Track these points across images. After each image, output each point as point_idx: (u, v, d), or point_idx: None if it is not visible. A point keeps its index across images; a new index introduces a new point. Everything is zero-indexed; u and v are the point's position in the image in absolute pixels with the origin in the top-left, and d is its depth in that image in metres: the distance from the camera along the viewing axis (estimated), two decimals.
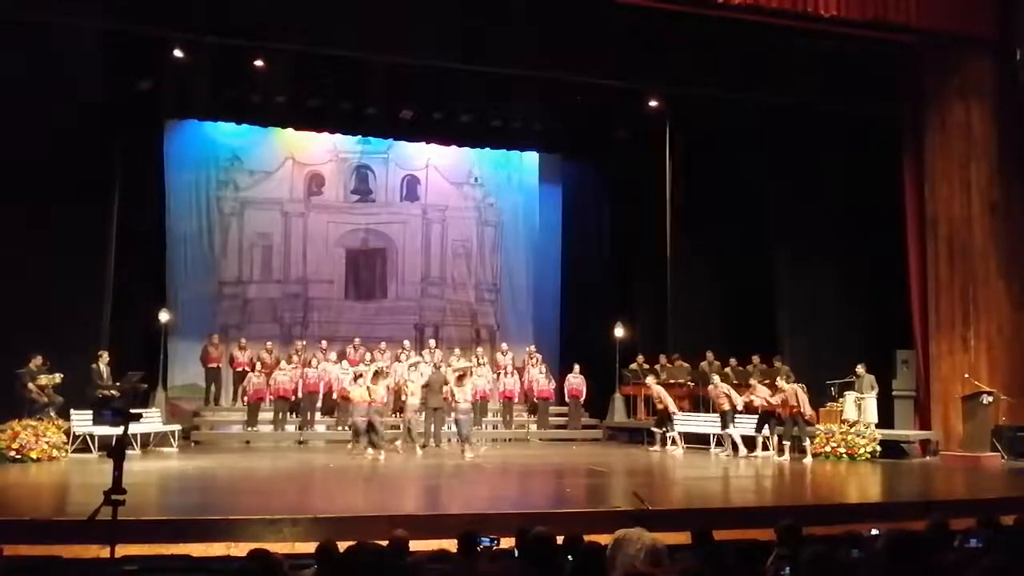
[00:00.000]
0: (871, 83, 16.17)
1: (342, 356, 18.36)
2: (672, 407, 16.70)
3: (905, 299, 16.59)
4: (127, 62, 16.14)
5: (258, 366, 17.51)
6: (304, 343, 18.90)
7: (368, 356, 18.31)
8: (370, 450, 14.94)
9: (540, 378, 18.93)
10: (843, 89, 15.92)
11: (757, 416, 15.59)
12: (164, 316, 17.49)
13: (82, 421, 14.36)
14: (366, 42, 14.68)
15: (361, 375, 15.74)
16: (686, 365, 18.43)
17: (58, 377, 14.55)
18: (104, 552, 5.98)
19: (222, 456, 15.03)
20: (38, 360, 14.42)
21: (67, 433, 14.23)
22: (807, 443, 15.06)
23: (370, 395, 15.13)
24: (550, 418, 19.12)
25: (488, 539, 5.98)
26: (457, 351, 19.19)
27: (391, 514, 9.02)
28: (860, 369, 15.91)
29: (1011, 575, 3.99)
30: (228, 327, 19.52)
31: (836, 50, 15.51)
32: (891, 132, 16.75)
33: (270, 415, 17.46)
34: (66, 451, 14.04)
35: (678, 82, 16.33)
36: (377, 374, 15.64)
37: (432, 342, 19.61)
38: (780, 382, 15.60)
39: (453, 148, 21.10)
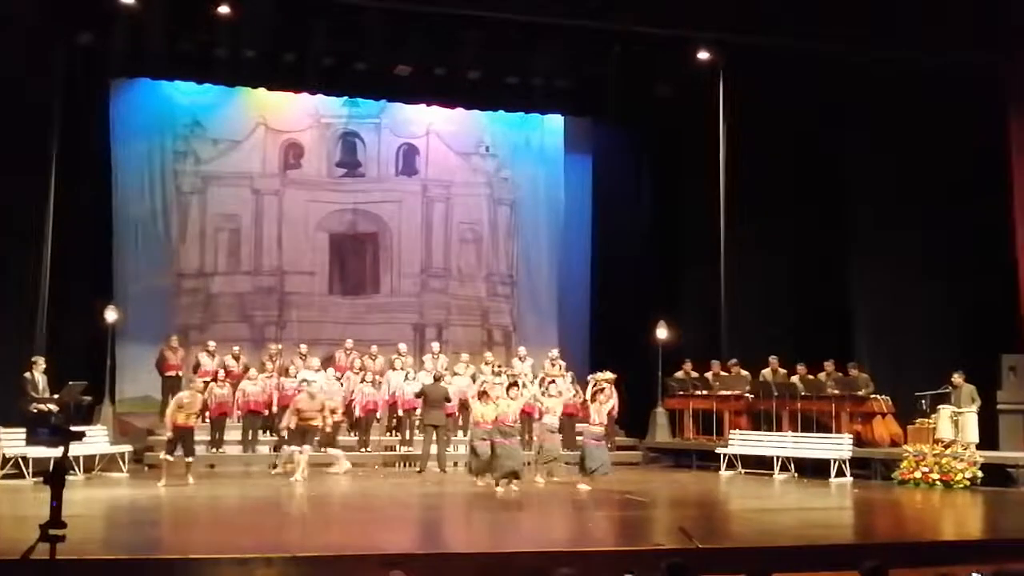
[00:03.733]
0: (969, 27, 16.01)
1: (327, 363, 18.40)
2: None
3: (1013, 293, 16.52)
4: (65, 10, 16.18)
5: (221, 374, 17.53)
6: (280, 347, 18.92)
7: (358, 362, 18.33)
8: (485, 480, 14.51)
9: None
10: (935, 37, 15.78)
11: None
12: (111, 315, 17.53)
13: (13, 441, 14.38)
14: None
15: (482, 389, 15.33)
16: (746, 374, 18.39)
17: None
18: None
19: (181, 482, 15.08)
20: None
21: None
22: None
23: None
24: (577, 437, 19.05)
25: None
26: (464, 356, 19.15)
27: (385, 552, 9.05)
28: (957, 378, 15.86)
29: None
30: (188, 328, 19.59)
31: None
32: (994, 90, 16.61)
33: (238, 434, 17.48)
34: None
35: (735, 28, 16.25)
36: (513, 386, 15.51)
37: (435, 346, 19.61)
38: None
39: (459, 111, 21.10)
